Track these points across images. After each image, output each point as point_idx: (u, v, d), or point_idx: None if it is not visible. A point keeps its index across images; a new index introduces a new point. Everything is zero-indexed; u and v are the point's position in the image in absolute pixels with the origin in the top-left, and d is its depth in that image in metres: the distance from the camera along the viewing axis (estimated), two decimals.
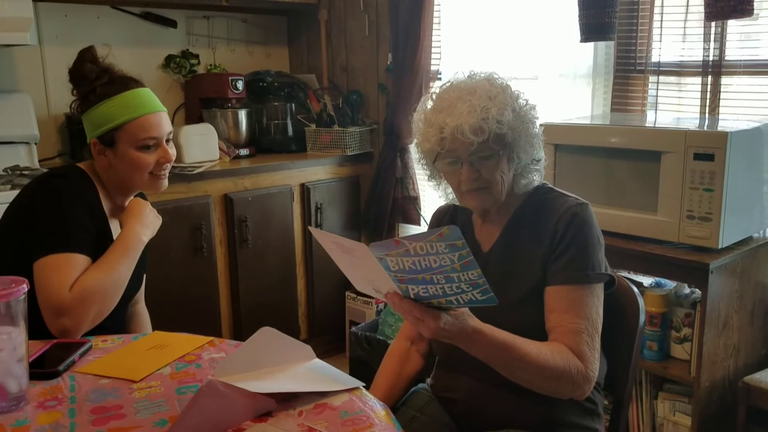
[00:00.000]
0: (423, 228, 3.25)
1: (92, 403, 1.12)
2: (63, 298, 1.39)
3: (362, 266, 1.10)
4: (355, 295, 3.29)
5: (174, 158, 1.64)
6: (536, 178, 1.40)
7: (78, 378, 1.22)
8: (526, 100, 1.38)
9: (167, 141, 1.63)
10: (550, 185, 1.44)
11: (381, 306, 3.17)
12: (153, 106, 1.60)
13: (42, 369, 1.22)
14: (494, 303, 1.05)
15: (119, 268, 1.50)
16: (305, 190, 3.14)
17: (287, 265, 3.13)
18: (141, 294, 1.83)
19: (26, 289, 1.09)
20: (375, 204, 3.28)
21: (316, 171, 3.19)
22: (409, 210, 3.27)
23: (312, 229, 1.21)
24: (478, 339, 1.16)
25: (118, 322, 1.66)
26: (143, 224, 1.61)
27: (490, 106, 1.29)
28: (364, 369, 2.83)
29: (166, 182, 1.67)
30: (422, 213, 3.26)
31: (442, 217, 1.55)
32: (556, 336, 1.27)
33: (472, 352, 1.20)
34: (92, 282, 1.44)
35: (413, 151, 3.21)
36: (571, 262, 1.29)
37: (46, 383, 1.20)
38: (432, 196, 3.28)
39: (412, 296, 1.10)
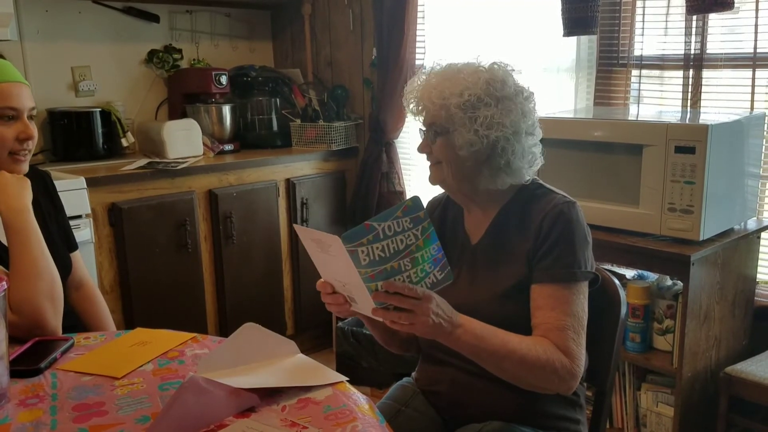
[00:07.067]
0: None
1: (74, 401, 1.12)
2: (18, 323, 1.33)
3: (337, 266, 1.11)
4: None
5: (36, 137, 1.50)
6: (507, 181, 1.36)
7: (60, 375, 1.22)
8: (524, 100, 1.36)
9: (30, 118, 1.49)
10: (541, 181, 1.44)
11: None
12: (13, 75, 1.47)
13: (23, 366, 1.21)
14: (451, 279, 1.14)
15: (31, 254, 1.40)
16: (290, 185, 3.13)
17: (273, 260, 3.12)
18: (83, 277, 1.72)
19: (6, 287, 1.09)
20: (361, 199, 3.27)
21: (302, 166, 3.18)
22: (395, 204, 3.27)
23: (296, 226, 1.20)
24: (461, 324, 1.19)
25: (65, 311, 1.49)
26: (15, 194, 1.44)
27: (433, 85, 1.32)
28: (351, 364, 2.83)
29: (26, 166, 1.51)
30: None
31: (434, 208, 1.55)
32: (542, 332, 1.27)
33: (458, 345, 1.21)
34: (22, 293, 1.36)
35: (399, 146, 3.22)
36: (557, 260, 1.29)
37: (27, 381, 1.19)
38: (418, 190, 3.29)
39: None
